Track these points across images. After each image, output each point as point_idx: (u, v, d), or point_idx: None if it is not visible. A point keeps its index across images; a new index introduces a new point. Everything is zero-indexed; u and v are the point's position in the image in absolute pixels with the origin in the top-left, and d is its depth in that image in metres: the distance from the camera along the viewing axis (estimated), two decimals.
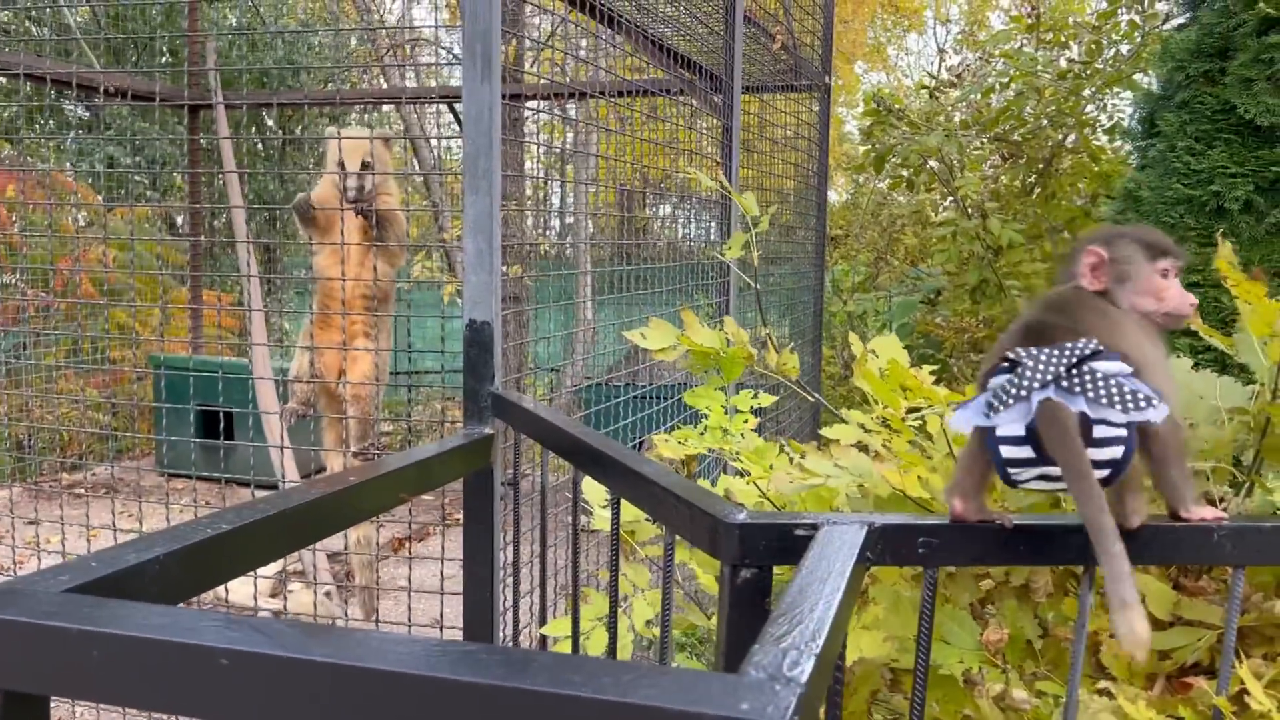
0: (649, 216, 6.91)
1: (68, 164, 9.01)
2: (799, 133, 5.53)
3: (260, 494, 3.56)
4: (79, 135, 9.12)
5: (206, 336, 6.87)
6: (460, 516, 2.16)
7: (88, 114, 9.39)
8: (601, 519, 1.81)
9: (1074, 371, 1.10)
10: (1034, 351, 1.13)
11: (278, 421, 3.95)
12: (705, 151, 4.13)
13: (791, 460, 1.74)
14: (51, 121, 9.68)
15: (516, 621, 1.99)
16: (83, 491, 6.06)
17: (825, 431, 1.65)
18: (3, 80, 7.77)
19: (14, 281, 6.53)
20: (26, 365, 6.17)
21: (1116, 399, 1.08)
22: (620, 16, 3.35)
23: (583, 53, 3.67)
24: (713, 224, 4.69)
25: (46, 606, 0.87)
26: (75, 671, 0.84)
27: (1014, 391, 1.10)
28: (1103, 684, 1.42)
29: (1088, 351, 1.12)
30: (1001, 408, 1.10)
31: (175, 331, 7.11)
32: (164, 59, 9.70)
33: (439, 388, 7.83)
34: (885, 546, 1.18)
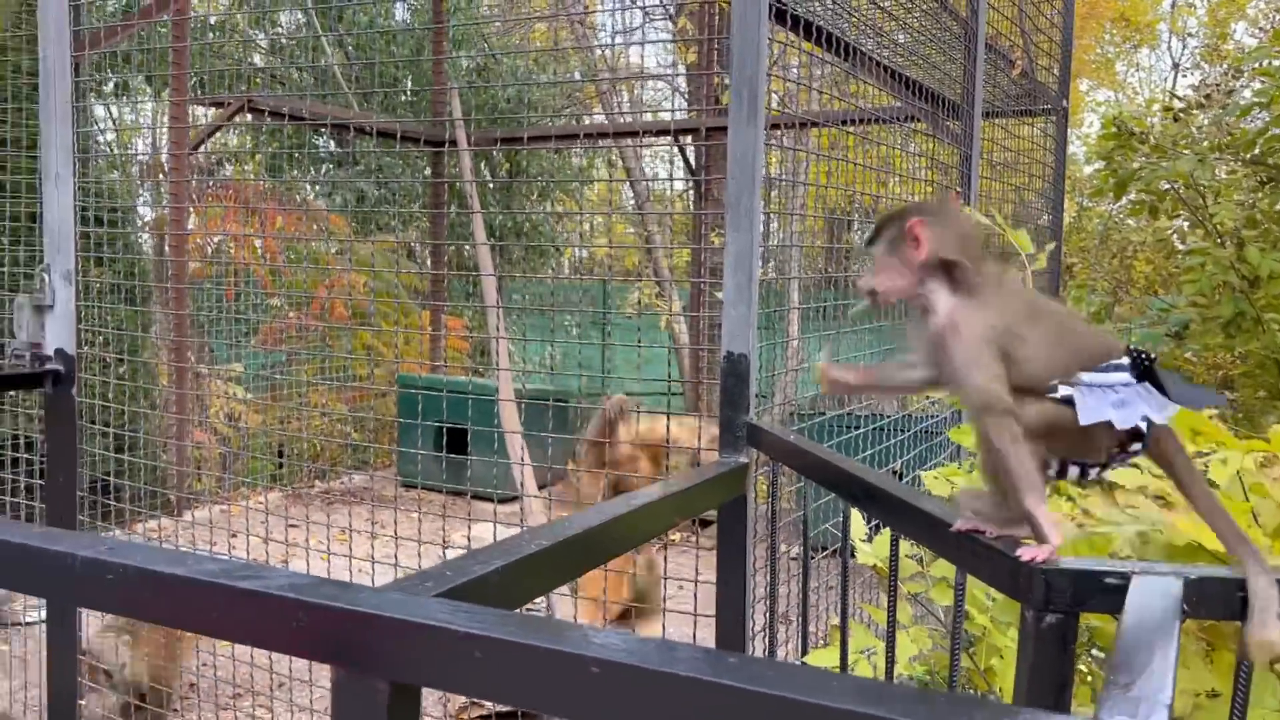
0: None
1: (321, 198, 9.85)
2: (1032, 156, 5.34)
3: (489, 507, 3.74)
4: (334, 171, 9.96)
5: (444, 358, 7.34)
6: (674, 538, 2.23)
7: (338, 150, 10.23)
8: (864, 552, 1.83)
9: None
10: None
11: (519, 439, 4.17)
12: (932, 179, 4.06)
13: (1071, 501, 1.70)
14: (305, 159, 10.63)
15: (772, 650, 2.03)
16: (332, 499, 6.59)
17: (1110, 475, 1.61)
18: (267, 120, 8.59)
19: (280, 304, 7.20)
20: (287, 381, 6.79)
21: None
22: (858, 47, 3.37)
23: (817, 83, 3.71)
24: None
25: (430, 610, 0.99)
26: (456, 668, 0.95)
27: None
28: None
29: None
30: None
31: (415, 353, 7.62)
32: (404, 98, 10.47)
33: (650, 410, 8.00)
34: (1201, 599, 1.15)
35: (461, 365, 7.96)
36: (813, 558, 2.35)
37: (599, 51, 10.55)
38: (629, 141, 7.85)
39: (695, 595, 2.26)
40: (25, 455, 4.34)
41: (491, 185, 9.67)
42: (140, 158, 8.76)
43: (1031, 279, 1.87)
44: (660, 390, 8.49)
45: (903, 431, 3.26)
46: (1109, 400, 1.17)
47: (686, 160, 6.88)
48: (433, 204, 7.34)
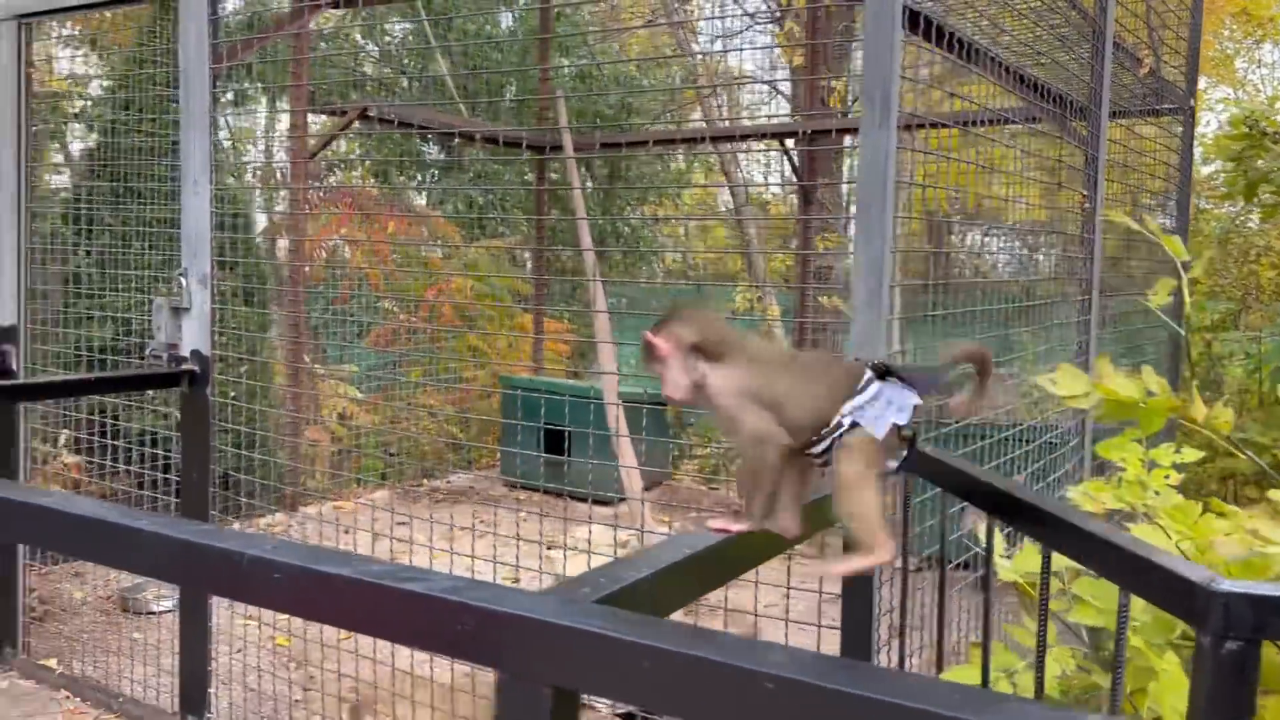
0: (986, 248, 6.66)
1: (433, 204, 10.07)
2: (1156, 157, 5.13)
3: (593, 508, 3.71)
4: (442, 177, 10.18)
5: (547, 361, 7.43)
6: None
7: (445, 157, 10.45)
8: (1005, 568, 1.78)
9: None
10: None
11: (627, 442, 4.19)
12: (1059, 180, 3.94)
13: (1223, 518, 1.62)
14: (413, 165, 10.88)
15: (902, 665, 1.99)
16: (441, 497, 6.72)
17: (1276, 495, 1.53)
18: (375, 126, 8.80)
19: (390, 307, 7.38)
20: (396, 381, 6.95)
21: None
22: (986, 50, 3.28)
23: (941, 83, 3.63)
24: (1042, 256, 4.46)
25: (595, 618, 0.99)
26: (623, 677, 0.95)
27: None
28: None
29: None
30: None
31: (518, 355, 7.73)
32: (507, 104, 10.63)
33: None
34: None
35: (561, 368, 8.03)
36: (923, 570, 2.29)
37: (700, 56, 10.53)
38: (732, 145, 7.82)
39: (819, 606, 2.23)
40: (155, 450, 4.54)
41: (592, 189, 9.75)
42: (255, 165, 9.09)
43: (1186, 286, 1.79)
44: None
45: (1026, 443, 3.17)
46: (879, 408, 1.39)
47: (793, 163, 6.82)
48: (535, 209, 7.43)
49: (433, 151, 10.53)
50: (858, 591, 2.14)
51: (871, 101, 2.08)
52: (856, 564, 1.40)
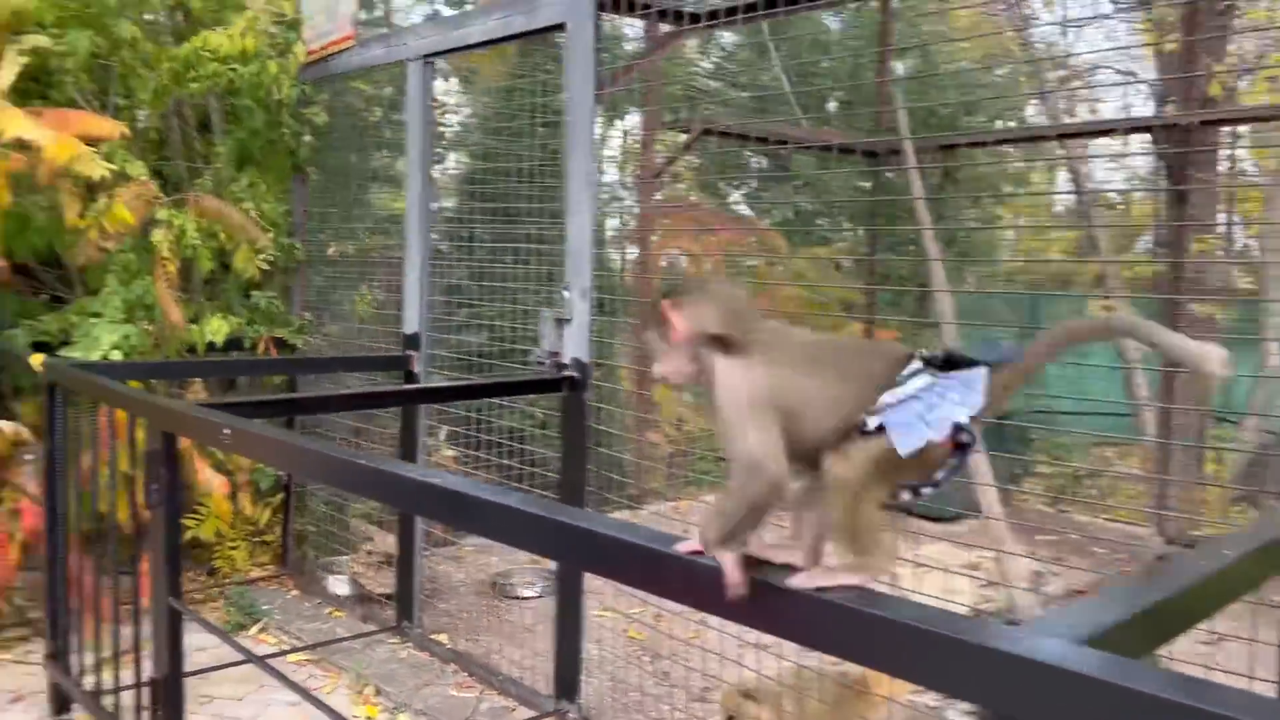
0: None
1: (763, 216, 10.22)
2: None
3: (937, 526, 3.49)
4: (774, 187, 10.30)
5: None
6: None
7: (779, 168, 10.56)
8: None
9: None
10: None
11: (982, 459, 4.01)
12: None
13: None
14: (743, 176, 11.07)
15: None
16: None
17: None
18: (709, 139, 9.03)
19: None
20: None
21: None
22: None
23: None
24: None
25: (1113, 667, 0.92)
26: None
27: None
28: None
29: None
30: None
31: None
32: (841, 111, 10.55)
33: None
34: None
35: None
36: None
37: (1048, 47, 9.88)
38: (1091, 141, 7.28)
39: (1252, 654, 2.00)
40: (522, 447, 4.92)
41: (933, 195, 9.43)
42: (603, 185, 9.63)
43: None
44: (1100, 411, 7.86)
45: None
46: (915, 413, 1.16)
47: (1166, 161, 6.19)
48: (867, 216, 7.32)
49: (762, 162, 10.65)
50: None
51: None
52: (828, 579, 1.17)
